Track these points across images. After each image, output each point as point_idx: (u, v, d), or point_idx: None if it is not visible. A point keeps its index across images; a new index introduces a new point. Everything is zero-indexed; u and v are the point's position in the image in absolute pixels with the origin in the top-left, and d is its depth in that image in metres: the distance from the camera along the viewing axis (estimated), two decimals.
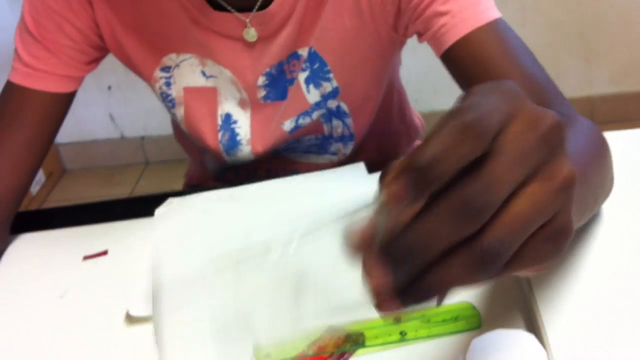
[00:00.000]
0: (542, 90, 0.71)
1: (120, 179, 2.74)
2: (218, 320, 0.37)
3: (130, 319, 0.68)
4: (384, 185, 0.30)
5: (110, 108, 2.74)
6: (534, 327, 0.57)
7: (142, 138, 2.81)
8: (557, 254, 0.32)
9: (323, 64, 0.84)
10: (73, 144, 2.79)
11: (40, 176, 2.64)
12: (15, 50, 0.83)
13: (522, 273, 0.32)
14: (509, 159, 0.30)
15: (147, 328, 0.66)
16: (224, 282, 0.35)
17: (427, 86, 2.46)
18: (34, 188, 2.59)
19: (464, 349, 0.54)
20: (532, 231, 0.31)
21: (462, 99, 0.31)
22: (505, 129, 0.30)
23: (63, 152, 2.83)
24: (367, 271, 0.31)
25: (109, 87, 2.67)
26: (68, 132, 2.71)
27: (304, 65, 0.84)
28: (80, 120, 2.71)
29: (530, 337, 0.53)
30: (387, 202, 0.30)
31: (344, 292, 0.35)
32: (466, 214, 0.29)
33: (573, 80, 2.55)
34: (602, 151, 0.60)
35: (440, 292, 0.31)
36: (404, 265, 0.30)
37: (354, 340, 0.59)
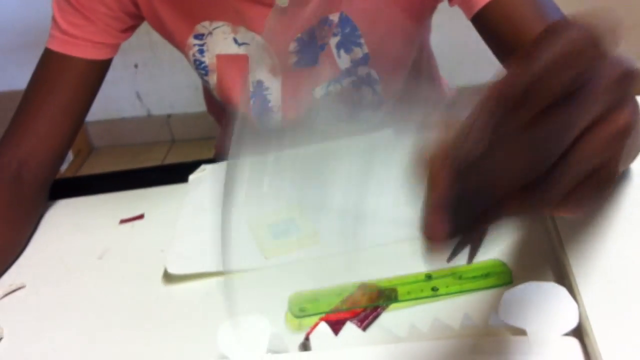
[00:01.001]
0: None
1: (146, 157, 2.77)
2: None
3: (168, 278, 0.69)
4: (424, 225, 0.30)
5: (137, 86, 2.77)
6: (564, 281, 0.57)
7: (169, 116, 2.83)
8: (600, 198, 0.32)
9: (354, 28, 0.85)
10: (100, 121, 2.82)
11: (69, 154, 2.68)
12: (53, 18, 0.85)
13: (562, 212, 0.33)
14: (598, 90, 0.30)
15: (183, 286, 0.68)
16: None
17: (452, 61, 2.45)
18: (63, 166, 2.63)
19: (496, 303, 0.55)
20: (587, 173, 0.31)
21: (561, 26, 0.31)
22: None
23: (91, 130, 2.87)
24: (427, 223, 0.31)
25: (136, 65, 2.69)
26: (95, 110, 2.72)
27: (335, 31, 0.85)
28: (108, 98, 2.74)
29: (561, 289, 0.54)
30: (498, 103, 0.29)
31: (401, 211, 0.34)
32: (538, 155, 0.30)
33: None
34: (634, 108, 0.61)
35: (494, 221, 0.31)
36: (467, 217, 0.31)
37: (387, 295, 0.61)
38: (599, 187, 0.32)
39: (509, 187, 0.30)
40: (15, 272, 0.76)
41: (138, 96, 2.80)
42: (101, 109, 2.77)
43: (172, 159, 2.76)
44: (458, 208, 0.31)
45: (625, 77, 0.32)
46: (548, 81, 0.28)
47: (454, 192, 0.30)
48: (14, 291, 0.73)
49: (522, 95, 0.29)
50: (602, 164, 0.32)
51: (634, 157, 0.63)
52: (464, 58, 2.39)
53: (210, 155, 1.12)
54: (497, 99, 0.29)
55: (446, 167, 0.31)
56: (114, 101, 2.78)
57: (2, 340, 0.66)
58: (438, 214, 0.31)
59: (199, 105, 2.72)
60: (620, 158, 0.32)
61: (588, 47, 0.29)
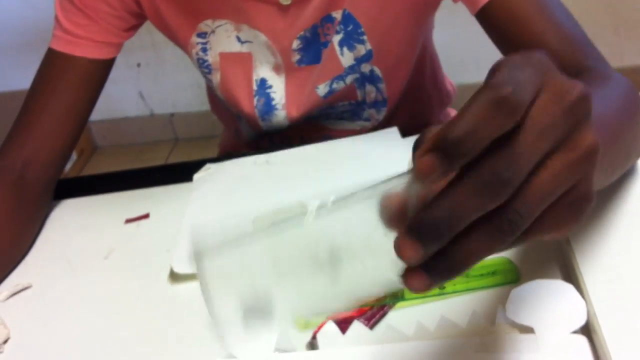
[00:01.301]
0: (577, 47, 0.71)
1: (150, 156, 2.77)
2: (255, 288, 0.38)
3: (174, 277, 0.69)
4: (417, 157, 0.31)
5: (140, 85, 2.77)
6: (572, 279, 0.57)
7: (172, 115, 2.83)
8: (577, 220, 0.33)
9: (357, 25, 0.84)
10: (103, 121, 2.82)
11: (72, 154, 2.68)
12: (56, 18, 0.85)
13: (544, 237, 0.33)
14: (535, 133, 0.31)
15: (190, 285, 0.68)
16: (261, 245, 0.36)
17: (455, 59, 2.45)
18: (66, 165, 2.63)
19: (503, 301, 0.55)
20: (553, 201, 0.32)
21: (493, 73, 0.32)
22: (534, 102, 0.31)
23: (94, 129, 2.87)
24: (399, 244, 0.32)
25: (138, 65, 2.69)
26: (98, 110, 2.70)
27: (337, 28, 0.85)
28: (110, 97, 2.74)
29: (569, 287, 0.54)
30: (419, 174, 0.31)
31: (379, 263, 0.36)
32: (493, 189, 0.30)
33: (602, 52, 2.51)
34: (635, 108, 0.60)
35: (465, 265, 0.32)
36: (433, 237, 0.31)
37: (394, 294, 0.61)
38: (573, 207, 0.32)
39: (467, 219, 0.31)
40: (22, 272, 0.76)
41: (141, 95, 2.80)
42: (104, 108, 2.76)
43: (176, 158, 2.76)
44: (427, 249, 0.31)
45: (577, 103, 0.32)
46: (472, 136, 0.30)
47: (420, 250, 0.31)
48: (20, 291, 0.73)
49: (452, 146, 0.30)
50: (572, 187, 0.32)
51: (634, 159, 0.63)
52: (466, 56, 2.38)
53: (214, 154, 1.13)
54: (434, 147, 0.30)
55: (405, 226, 0.32)
56: (116, 101, 2.78)
57: (9, 340, 0.66)
58: (407, 238, 0.31)
59: (202, 104, 2.72)
60: (591, 179, 0.33)
61: (505, 102, 0.30)
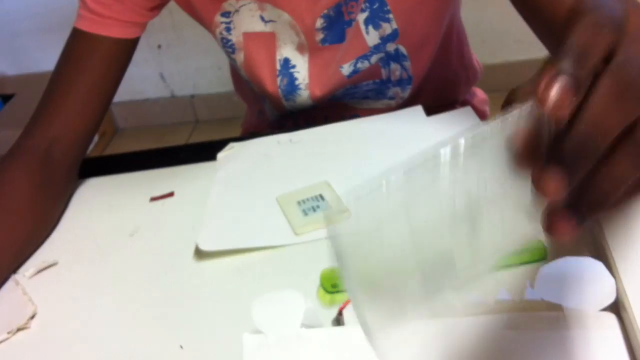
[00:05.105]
0: None
1: (170, 138, 2.78)
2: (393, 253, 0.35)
3: (199, 254, 0.70)
4: (541, 90, 0.29)
5: (161, 67, 2.77)
6: (600, 256, 0.57)
7: (192, 97, 2.84)
8: None
9: (383, 3, 0.83)
10: (125, 103, 2.84)
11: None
12: None
13: None
14: None
15: (215, 262, 0.69)
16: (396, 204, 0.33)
17: (477, 39, 2.43)
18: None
19: (531, 278, 0.55)
20: None
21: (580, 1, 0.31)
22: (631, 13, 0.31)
23: (115, 111, 2.88)
24: (540, 176, 0.30)
25: (159, 46, 2.70)
26: (120, 92, 2.74)
27: (363, 6, 0.84)
28: (132, 79, 2.74)
29: (598, 264, 0.53)
30: (552, 106, 0.29)
31: (517, 213, 0.33)
32: (632, 92, 0.29)
33: None
34: None
35: (614, 193, 0.30)
36: (579, 159, 0.29)
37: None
38: None
39: (611, 134, 0.29)
40: (48, 250, 0.77)
41: (162, 77, 2.81)
42: (125, 90, 2.76)
43: (196, 139, 2.76)
44: (572, 177, 0.29)
45: None
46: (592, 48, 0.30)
47: (564, 179, 0.29)
48: (46, 268, 0.73)
49: (579, 62, 0.29)
50: None
51: None
52: (488, 35, 2.36)
53: (235, 136, 1.13)
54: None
55: (542, 159, 0.30)
56: (137, 82, 2.79)
57: (35, 317, 0.67)
58: (549, 167, 0.29)
59: (222, 85, 2.73)
60: None
61: None
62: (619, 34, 0.30)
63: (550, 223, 0.31)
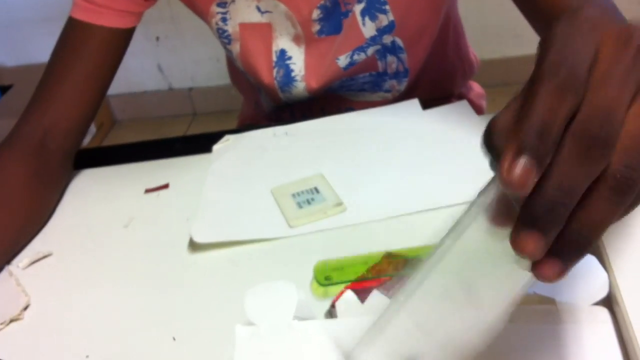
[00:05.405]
0: None
1: (168, 130, 2.77)
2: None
3: (194, 246, 0.69)
4: (504, 173, 0.30)
5: (159, 59, 2.77)
6: (594, 250, 0.57)
7: (190, 89, 2.83)
8: None
9: None
10: (123, 95, 2.83)
11: (91, 127, 2.69)
12: None
13: None
14: (613, 85, 0.30)
15: (209, 254, 0.69)
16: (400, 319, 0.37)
17: (475, 34, 2.42)
18: (86, 139, 2.65)
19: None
20: None
21: (544, 52, 0.31)
22: (598, 60, 0.31)
23: (113, 103, 2.88)
24: (517, 241, 0.31)
25: (157, 38, 2.69)
26: (117, 83, 2.74)
27: None
28: (129, 71, 2.75)
29: (591, 258, 0.53)
30: (516, 186, 0.30)
31: (509, 272, 0.35)
32: (594, 151, 0.29)
33: None
34: None
35: (594, 237, 0.31)
36: (550, 220, 0.30)
37: (414, 264, 0.60)
38: None
39: (579, 190, 0.30)
40: (42, 240, 0.77)
41: (160, 69, 2.80)
42: (123, 82, 2.77)
43: (194, 132, 2.76)
44: (548, 235, 0.30)
45: None
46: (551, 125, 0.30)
47: (541, 238, 0.30)
48: (40, 259, 0.73)
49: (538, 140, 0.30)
50: None
51: None
52: (487, 30, 2.35)
53: (232, 128, 1.12)
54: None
55: (518, 225, 0.31)
56: (135, 74, 2.79)
57: (29, 307, 0.67)
58: (524, 231, 0.30)
59: (220, 78, 2.73)
60: None
61: None
62: (584, 88, 0.30)
63: (539, 271, 0.31)
